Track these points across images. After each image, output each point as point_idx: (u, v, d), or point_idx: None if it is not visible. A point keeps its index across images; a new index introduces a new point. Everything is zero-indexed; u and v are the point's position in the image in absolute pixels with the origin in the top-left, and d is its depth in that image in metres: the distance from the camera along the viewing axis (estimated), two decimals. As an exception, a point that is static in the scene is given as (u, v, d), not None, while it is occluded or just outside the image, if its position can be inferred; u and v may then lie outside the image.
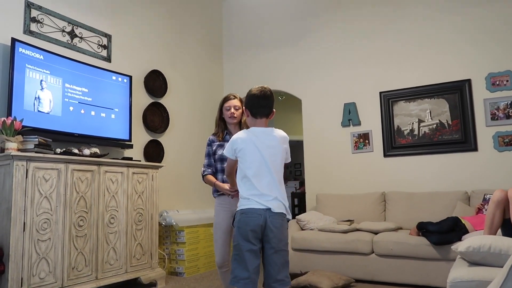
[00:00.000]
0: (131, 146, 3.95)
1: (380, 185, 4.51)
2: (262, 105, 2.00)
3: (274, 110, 2.05)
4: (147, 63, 4.55)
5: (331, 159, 4.88)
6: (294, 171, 10.78)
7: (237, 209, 2.00)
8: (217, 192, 2.58)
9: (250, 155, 1.96)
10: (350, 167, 4.75)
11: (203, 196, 4.91)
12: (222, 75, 5.78)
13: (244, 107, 2.08)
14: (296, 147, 8.28)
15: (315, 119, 5.06)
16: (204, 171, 2.65)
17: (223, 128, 2.65)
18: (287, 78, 5.32)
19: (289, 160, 2.07)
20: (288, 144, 2.05)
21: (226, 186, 2.42)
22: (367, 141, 4.66)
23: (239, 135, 2.03)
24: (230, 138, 2.16)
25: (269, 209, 1.92)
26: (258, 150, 1.96)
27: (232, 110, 2.59)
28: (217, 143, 2.63)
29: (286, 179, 9.61)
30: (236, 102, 2.62)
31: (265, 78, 5.41)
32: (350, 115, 4.79)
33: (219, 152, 2.56)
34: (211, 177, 2.60)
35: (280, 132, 2.05)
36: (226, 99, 2.64)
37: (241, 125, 2.61)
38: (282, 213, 1.96)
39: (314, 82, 5.12)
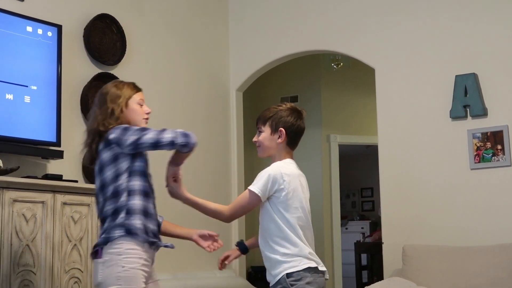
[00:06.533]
0: (60, 155, 3.94)
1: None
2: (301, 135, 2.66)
3: None
4: (89, 4, 4.53)
5: (431, 180, 4.77)
6: (360, 203, 10.97)
7: (285, 272, 2.38)
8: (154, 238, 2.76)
9: (300, 199, 2.56)
10: (467, 195, 4.63)
11: (189, 247, 4.46)
12: (228, 27, 5.82)
13: (282, 127, 2.57)
14: (362, 158, 8.53)
15: (400, 104, 5.00)
16: None
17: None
18: (347, 30, 5.32)
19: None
20: None
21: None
22: (499, 147, 4.60)
23: (290, 167, 2.55)
24: None
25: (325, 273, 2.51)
26: (303, 194, 2.59)
27: (146, 108, 2.90)
28: None
29: (345, 217, 10.08)
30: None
31: (308, 31, 5.41)
32: (467, 97, 4.65)
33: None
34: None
35: None
36: (137, 88, 2.91)
37: None
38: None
39: (398, 39, 5.07)
